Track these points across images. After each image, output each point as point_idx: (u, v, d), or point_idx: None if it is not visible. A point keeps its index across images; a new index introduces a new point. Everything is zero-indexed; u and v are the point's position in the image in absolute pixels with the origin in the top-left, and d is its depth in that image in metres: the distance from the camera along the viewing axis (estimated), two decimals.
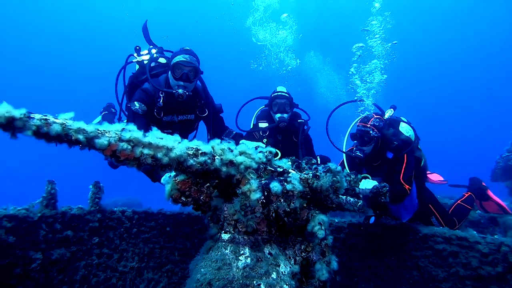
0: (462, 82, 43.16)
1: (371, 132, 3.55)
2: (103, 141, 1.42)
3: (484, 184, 4.50)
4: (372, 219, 3.57)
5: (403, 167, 3.43)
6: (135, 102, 3.42)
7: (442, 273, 3.19)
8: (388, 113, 3.93)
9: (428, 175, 4.30)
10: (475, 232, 3.18)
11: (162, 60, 3.76)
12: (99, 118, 4.88)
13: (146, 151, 1.53)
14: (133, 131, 1.52)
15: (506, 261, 2.71)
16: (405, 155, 3.51)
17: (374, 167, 3.72)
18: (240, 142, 3.75)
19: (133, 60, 3.84)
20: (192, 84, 3.49)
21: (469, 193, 4.36)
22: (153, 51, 3.89)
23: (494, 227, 4.83)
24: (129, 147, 1.49)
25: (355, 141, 3.79)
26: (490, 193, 4.43)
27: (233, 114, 4.41)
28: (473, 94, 43.72)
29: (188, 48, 3.51)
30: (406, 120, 3.99)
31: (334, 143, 3.86)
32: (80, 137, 1.35)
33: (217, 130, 4.01)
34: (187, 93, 3.39)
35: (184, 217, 3.90)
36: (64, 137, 1.36)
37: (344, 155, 3.91)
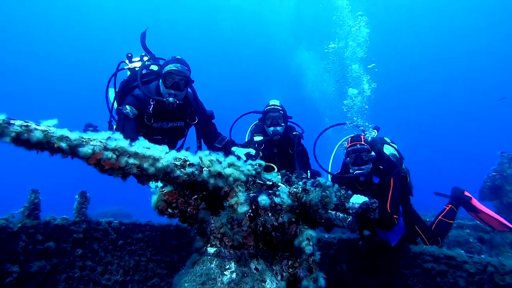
0: (449, 101, 43.92)
1: (369, 149, 3.48)
2: (87, 149, 1.39)
3: (467, 194, 4.36)
4: (360, 243, 3.53)
5: (390, 193, 3.32)
6: (126, 106, 3.41)
7: None
8: (372, 134, 3.90)
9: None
10: (462, 251, 3.17)
11: (154, 67, 3.78)
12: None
13: (131, 160, 1.50)
14: (119, 140, 1.50)
15: (492, 282, 2.69)
16: (392, 178, 3.42)
17: (359, 192, 3.65)
18: (232, 149, 3.74)
19: (125, 67, 3.86)
20: (182, 93, 3.51)
21: (450, 205, 4.27)
22: (145, 58, 3.91)
23: (481, 246, 4.84)
24: (114, 156, 1.46)
25: (348, 161, 3.62)
26: (475, 203, 4.32)
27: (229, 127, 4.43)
28: (462, 113, 44.51)
29: (179, 57, 3.53)
30: (389, 141, 3.96)
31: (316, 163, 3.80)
32: (63, 144, 1.32)
33: (209, 136, 4.00)
34: (177, 101, 3.40)
35: (172, 229, 3.82)
36: (46, 145, 1.33)
37: (329, 176, 3.82)
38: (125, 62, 3.89)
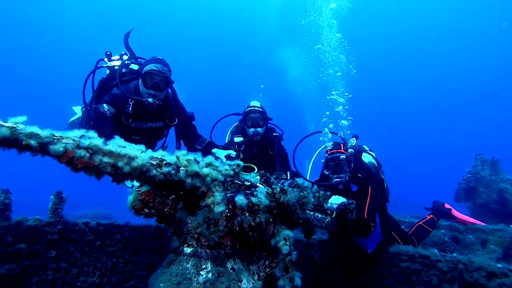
0: (423, 106, 45.04)
1: (348, 157, 3.50)
2: (58, 147, 1.36)
3: (447, 206, 4.59)
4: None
5: (367, 201, 3.35)
6: (104, 104, 3.36)
7: None
8: (351, 142, 3.95)
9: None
10: (436, 250, 3.26)
11: (134, 66, 3.72)
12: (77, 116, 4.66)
13: (106, 159, 1.47)
14: (93, 139, 1.47)
15: (462, 279, 2.79)
16: (370, 186, 3.45)
17: None
18: (213, 151, 3.72)
19: (104, 65, 3.79)
20: (162, 93, 3.48)
21: (431, 215, 4.44)
22: (125, 57, 3.86)
23: (455, 246, 4.99)
24: (88, 154, 1.43)
25: (327, 170, 3.64)
26: (454, 212, 4.54)
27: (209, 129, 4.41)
28: (438, 118, 45.78)
29: (160, 57, 3.50)
30: (367, 149, 4.02)
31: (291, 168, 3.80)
32: (32, 142, 1.29)
33: (190, 138, 3.97)
34: (157, 102, 3.37)
35: (152, 230, 3.77)
36: (13, 142, 1.29)
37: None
38: (103, 60, 3.82)
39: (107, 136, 3.16)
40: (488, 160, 7.07)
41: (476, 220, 4.67)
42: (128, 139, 3.53)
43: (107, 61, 3.81)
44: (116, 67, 3.69)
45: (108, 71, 3.80)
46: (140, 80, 3.45)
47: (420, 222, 4.33)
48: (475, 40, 37.89)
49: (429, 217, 4.42)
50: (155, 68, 3.35)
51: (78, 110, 4.54)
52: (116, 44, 4.07)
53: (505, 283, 2.50)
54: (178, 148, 3.78)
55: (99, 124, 3.34)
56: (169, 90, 3.70)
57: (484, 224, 4.75)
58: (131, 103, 3.40)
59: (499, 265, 2.62)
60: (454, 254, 3.14)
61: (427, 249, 3.38)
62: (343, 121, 4.18)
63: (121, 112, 3.44)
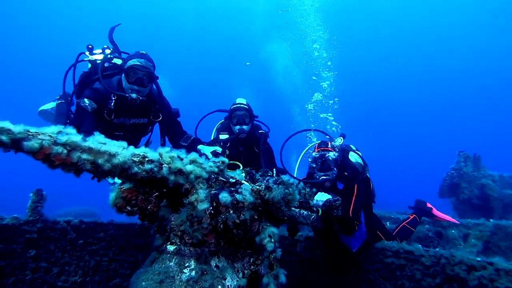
0: (409, 102, 45.77)
1: (335, 157, 3.50)
2: (33, 143, 1.30)
3: (428, 205, 4.69)
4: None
5: (353, 199, 3.36)
6: (85, 99, 3.25)
7: (389, 286, 3.27)
8: (338, 141, 3.95)
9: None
10: (420, 246, 3.30)
11: (117, 61, 3.62)
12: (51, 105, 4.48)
13: (85, 156, 1.42)
14: (71, 135, 1.41)
15: (444, 273, 2.84)
16: (356, 185, 3.46)
17: None
18: (198, 147, 3.67)
19: (85, 59, 3.67)
20: (146, 89, 3.40)
21: (414, 215, 4.52)
22: (108, 51, 3.74)
23: (438, 241, 5.09)
24: (65, 151, 1.38)
25: (313, 167, 3.62)
26: (435, 212, 4.63)
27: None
28: (423, 115, 46.60)
29: (144, 52, 3.41)
30: (354, 148, 4.03)
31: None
32: (3, 138, 1.23)
33: (174, 134, 3.90)
34: (140, 98, 3.30)
35: (136, 228, 3.71)
36: None
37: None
38: (85, 54, 3.70)
39: (88, 131, 3.08)
40: (470, 156, 7.23)
41: (454, 219, 4.80)
42: (110, 135, 3.45)
43: (88, 55, 3.69)
44: (98, 61, 3.59)
45: (90, 65, 3.68)
46: (123, 75, 3.36)
47: (404, 223, 4.39)
48: (461, 39, 38.58)
49: (412, 217, 4.49)
50: (138, 63, 3.27)
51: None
52: (98, 40, 3.95)
53: (483, 276, 2.56)
54: (163, 144, 3.71)
55: (79, 119, 3.24)
56: (154, 86, 3.63)
57: (458, 222, 4.92)
58: (113, 98, 3.31)
59: (478, 259, 2.68)
60: (437, 249, 3.18)
61: (411, 244, 3.42)
62: (323, 114, 4.19)
63: (103, 108, 3.35)
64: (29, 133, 1.29)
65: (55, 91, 4.02)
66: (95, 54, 3.70)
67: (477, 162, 7.25)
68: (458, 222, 4.95)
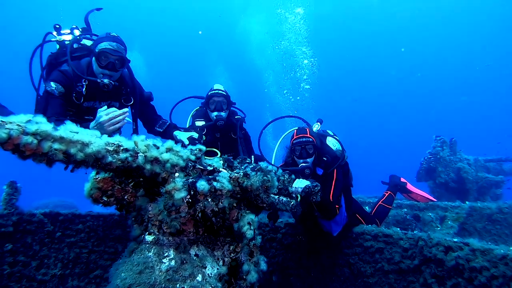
0: (385, 87, 46.41)
1: (314, 142, 3.50)
2: (1, 133, 1.24)
3: (403, 179, 4.80)
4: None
5: (333, 184, 3.39)
6: (51, 83, 3.10)
7: (370, 268, 3.37)
8: (316, 127, 3.95)
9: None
10: (398, 229, 3.39)
11: (86, 42, 3.47)
12: None
13: (56, 145, 1.37)
14: (41, 124, 1.36)
15: (422, 254, 2.93)
16: (335, 170, 3.49)
17: None
18: (174, 133, 3.61)
19: (52, 39, 3.49)
20: (118, 73, 3.29)
21: (389, 192, 4.63)
22: (76, 32, 3.57)
23: (416, 223, 5.25)
24: (36, 141, 1.33)
25: (293, 155, 3.62)
26: (409, 186, 4.76)
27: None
28: (401, 100, 47.39)
29: (115, 34, 3.28)
30: (332, 134, 4.06)
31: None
32: None
33: (148, 119, 3.82)
34: (113, 83, 3.19)
35: (116, 219, 3.67)
36: None
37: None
38: (52, 34, 3.51)
39: (54, 115, 2.96)
40: (447, 141, 7.44)
41: (428, 195, 4.96)
42: (80, 119, 3.35)
43: (56, 35, 3.51)
44: (67, 42, 3.42)
45: (58, 46, 3.51)
46: (93, 58, 3.24)
47: (380, 202, 4.49)
48: (442, 26, 39.17)
49: (387, 194, 4.59)
50: (110, 47, 3.14)
51: None
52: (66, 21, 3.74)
53: (459, 256, 2.66)
54: (136, 130, 3.63)
55: (45, 103, 3.11)
56: (125, 69, 3.51)
57: (434, 199, 5.11)
58: (85, 83, 3.19)
59: (455, 239, 2.77)
60: (415, 232, 3.28)
61: (390, 228, 3.51)
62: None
63: (71, 91, 3.22)
64: None
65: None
66: (63, 34, 3.52)
67: (453, 147, 7.48)
68: (435, 200, 5.13)
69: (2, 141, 1.26)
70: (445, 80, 43.77)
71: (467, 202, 5.37)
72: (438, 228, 5.04)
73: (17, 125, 1.30)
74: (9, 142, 1.29)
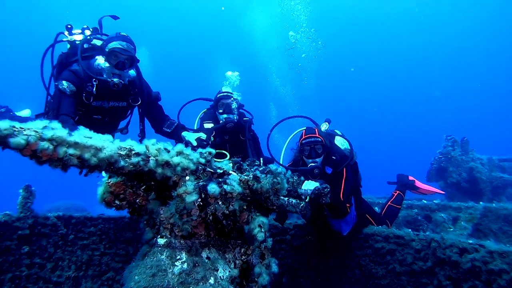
0: (397, 88, 45.82)
1: (323, 142, 3.50)
2: (19, 140, 1.29)
3: (410, 178, 4.74)
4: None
5: (343, 183, 3.38)
6: (63, 81, 3.16)
7: (381, 270, 3.34)
8: (324, 127, 3.94)
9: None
10: (410, 230, 3.36)
11: (97, 42, 3.51)
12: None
13: (71, 151, 1.41)
14: (56, 129, 1.40)
15: (435, 256, 2.89)
16: (344, 169, 3.48)
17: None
18: (182, 134, 3.64)
19: (64, 39, 3.55)
20: (127, 73, 3.34)
21: (398, 191, 4.57)
22: (87, 32, 3.63)
23: (427, 224, 5.19)
24: (51, 147, 1.36)
25: (301, 154, 3.62)
26: (418, 183, 4.68)
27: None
28: (411, 100, 46.75)
29: (125, 34, 3.32)
30: (340, 133, 4.04)
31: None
32: None
33: (156, 118, 3.86)
34: (122, 82, 3.24)
35: (126, 221, 3.71)
36: None
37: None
38: (63, 34, 3.57)
39: (67, 114, 3.02)
40: (458, 140, 7.33)
41: (438, 190, 4.87)
42: (89, 119, 3.40)
43: (67, 35, 3.56)
44: (77, 42, 3.47)
45: (68, 46, 3.56)
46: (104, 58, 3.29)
47: (389, 203, 4.44)
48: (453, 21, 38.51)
49: (395, 194, 4.53)
50: (120, 46, 3.18)
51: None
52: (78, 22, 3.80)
53: (476, 258, 2.60)
54: (143, 130, 3.66)
55: (58, 102, 3.16)
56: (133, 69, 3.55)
57: (443, 192, 4.98)
58: (95, 83, 3.24)
59: (470, 241, 2.72)
60: (427, 233, 3.24)
61: (401, 229, 3.49)
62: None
63: (82, 90, 3.27)
64: (14, 128, 1.28)
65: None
66: (74, 34, 3.58)
67: (465, 146, 7.37)
68: (443, 192, 5.04)
69: (21, 147, 1.30)
70: (457, 77, 43.04)
71: (481, 203, 5.28)
72: (451, 229, 4.97)
73: (34, 131, 1.34)
74: (27, 148, 1.33)
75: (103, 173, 1.89)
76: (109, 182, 1.73)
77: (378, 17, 38.57)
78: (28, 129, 1.35)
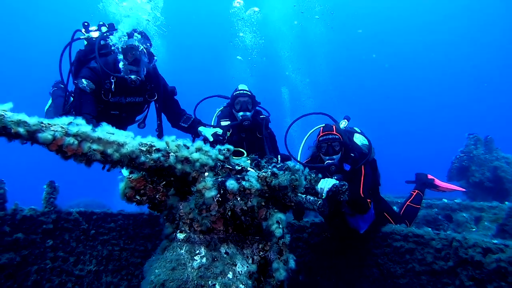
0: (419, 86, 44.66)
1: (340, 139, 3.48)
2: (47, 135, 1.34)
3: (430, 176, 4.63)
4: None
5: (362, 179, 3.35)
6: (83, 80, 3.25)
7: (400, 269, 3.29)
8: (343, 124, 3.90)
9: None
10: (430, 229, 3.30)
11: (113, 38, 3.54)
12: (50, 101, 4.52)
13: (95, 146, 1.45)
14: (81, 125, 1.45)
15: (457, 256, 2.82)
16: (363, 166, 3.45)
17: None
18: (199, 129, 3.68)
19: (81, 37, 3.62)
20: (144, 69, 3.40)
21: (417, 191, 4.47)
22: (104, 28, 3.69)
23: (448, 224, 5.07)
24: (76, 142, 1.41)
25: (319, 151, 3.61)
26: (437, 182, 4.57)
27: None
28: (433, 98, 45.61)
29: (141, 30, 3.38)
30: (359, 131, 4.01)
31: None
32: (21, 130, 1.27)
33: (172, 113, 3.91)
34: (140, 78, 3.30)
35: (145, 218, 3.78)
36: (2, 130, 1.27)
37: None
38: (80, 31, 3.65)
39: (89, 113, 3.11)
40: (481, 139, 7.13)
41: (459, 187, 4.74)
42: (107, 114, 3.48)
43: (84, 32, 3.65)
44: (94, 38, 3.55)
45: (85, 43, 3.64)
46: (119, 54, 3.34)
47: (407, 202, 4.36)
48: (470, 24, 37.30)
49: (414, 194, 4.45)
50: (136, 43, 3.25)
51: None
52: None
53: (501, 258, 2.52)
54: (160, 124, 3.72)
55: (79, 100, 3.23)
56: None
57: (464, 189, 4.82)
58: (113, 80, 3.31)
59: (495, 241, 2.64)
60: (448, 232, 3.17)
61: (420, 228, 3.42)
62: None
63: (101, 88, 3.34)
64: (42, 124, 1.33)
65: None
66: (91, 31, 3.66)
67: (489, 144, 7.15)
68: (464, 189, 4.89)
69: (48, 142, 1.36)
70: (484, 74, 41.58)
71: (506, 203, 5.12)
72: (474, 229, 4.84)
73: (61, 127, 1.39)
74: (54, 143, 1.38)
75: (123, 171, 1.94)
76: (130, 178, 1.77)
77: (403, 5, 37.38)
78: (55, 124, 1.40)
